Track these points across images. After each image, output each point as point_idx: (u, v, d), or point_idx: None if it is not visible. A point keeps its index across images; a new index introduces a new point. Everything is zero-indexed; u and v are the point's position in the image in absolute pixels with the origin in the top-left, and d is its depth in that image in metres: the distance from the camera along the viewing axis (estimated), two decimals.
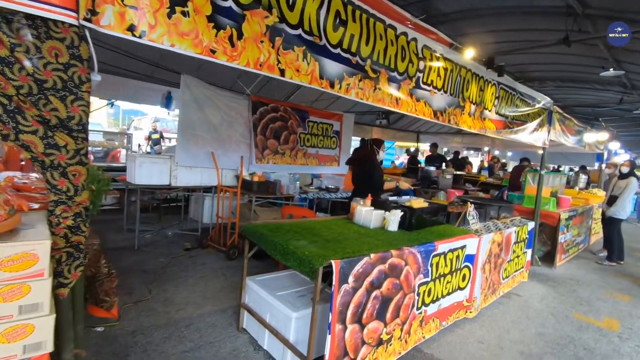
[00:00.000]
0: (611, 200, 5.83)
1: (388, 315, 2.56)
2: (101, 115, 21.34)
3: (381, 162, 4.57)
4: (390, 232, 3.03)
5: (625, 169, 5.81)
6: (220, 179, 4.79)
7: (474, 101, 3.43)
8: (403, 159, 16.62)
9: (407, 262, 2.63)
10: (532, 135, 4.98)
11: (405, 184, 4.37)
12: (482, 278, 3.60)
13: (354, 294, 2.25)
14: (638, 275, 5.66)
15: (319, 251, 2.25)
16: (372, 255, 2.32)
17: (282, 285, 2.84)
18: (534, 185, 6.15)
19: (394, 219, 3.04)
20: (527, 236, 4.61)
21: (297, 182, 5.17)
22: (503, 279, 4.14)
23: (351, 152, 10.01)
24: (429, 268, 2.87)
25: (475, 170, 14.52)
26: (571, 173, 12.10)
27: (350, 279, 2.21)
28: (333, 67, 2.05)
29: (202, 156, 4.74)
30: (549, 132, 5.45)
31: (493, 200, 5.06)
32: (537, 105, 4.79)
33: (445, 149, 17.63)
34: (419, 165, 9.47)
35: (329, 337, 2.13)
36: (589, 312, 4.03)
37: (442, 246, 2.96)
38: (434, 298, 3.01)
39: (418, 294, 2.81)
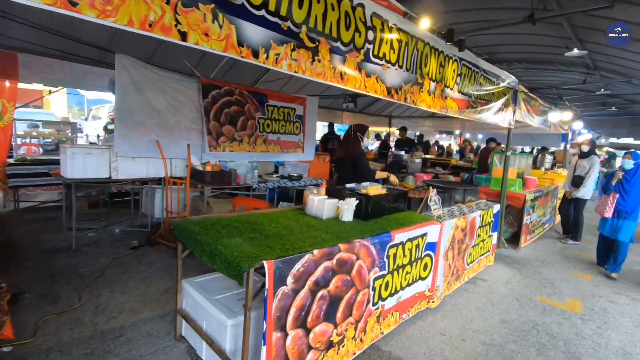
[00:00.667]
0: (575, 181, 5.81)
1: (339, 315, 2.32)
2: (58, 105, 19.96)
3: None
4: (344, 222, 2.77)
5: (585, 148, 5.79)
6: (167, 169, 4.38)
7: (433, 78, 3.18)
8: (377, 144, 16.46)
9: (359, 256, 2.38)
10: (497, 116, 4.82)
11: (394, 178, 4.12)
12: (444, 266, 3.44)
13: (294, 296, 1.98)
14: None
15: (252, 250, 1.95)
16: (315, 252, 2.05)
17: (222, 286, 2.54)
18: (500, 167, 6.08)
19: (347, 208, 2.78)
20: (493, 219, 4.50)
21: (255, 171, 4.83)
22: (468, 264, 4.01)
23: (319, 138, 9.70)
24: (385, 260, 2.64)
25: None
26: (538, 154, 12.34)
27: (289, 280, 1.93)
28: (256, 33, 1.71)
29: (145, 145, 4.29)
30: (514, 112, 5.33)
31: (457, 183, 4.91)
32: (502, 84, 4.62)
33: (417, 133, 17.64)
34: (391, 150, 9.28)
35: (264, 349, 1.86)
36: (553, 294, 3.98)
37: (400, 236, 2.73)
38: (392, 291, 2.79)
39: (373, 289, 2.58)
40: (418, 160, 7.87)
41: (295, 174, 5.50)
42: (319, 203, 2.84)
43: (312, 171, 7.17)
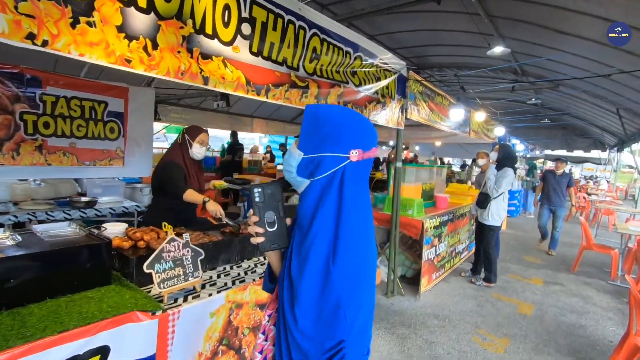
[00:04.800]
0: (480, 199, 4.39)
1: None
2: None
3: (200, 161, 2.84)
4: None
5: (494, 155, 4.42)
6: None
7: (139, 3, 1.49)
8: None
9: None
10: (374, 112, 3.29)
11: (214, 206, 2.48)
12: None
13: None
14: (524, 296, 4.35)
15: None
16: None
17: None
18: (404, 183, 4.61)
19: None
20: None
21: None
22: None
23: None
24: None
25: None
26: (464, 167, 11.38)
27: None
28: None
29: None
30: (403, 108, 3.86)
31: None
32: (371, 62, 3.09)
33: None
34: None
35: None
36: None
37: None
38: None
39: None
40: None
41: (83, 199, 3.60)
42: None
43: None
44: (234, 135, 8.81)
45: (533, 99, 11.82)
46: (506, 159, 4.24)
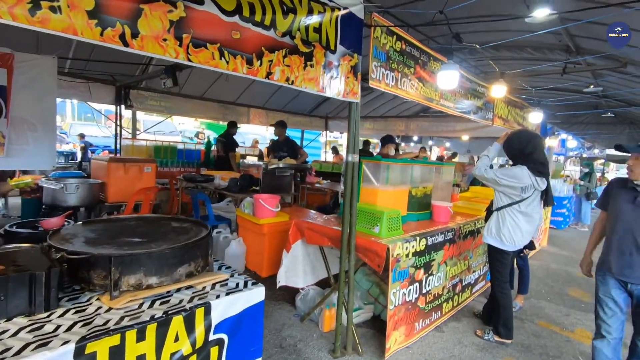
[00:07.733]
0: (489, 209, 2.95)
1: None
2: None
3: None
4: None
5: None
6: None
7: None
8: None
9: None
10: (281, 67, 1.98)
11: None
12: None
13: None
14: None
15: None
16: None
17: None
18: (377, 184, 3.25)
19: None
20: (226, 336, 1.62)
21: None
22: None
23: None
24: None
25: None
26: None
27: None
28: None
29: None
30: (355, 70, 2.49)
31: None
32: None
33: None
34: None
35: None
36: None
37: None
38: None
39: None
40: (286, 173, 4.98)
41: None
42: None
43: (115, 189, 4.39)
44: (232, 126, 7.25)
45: (591, 86, 9.60)
46: (519, 154, 2.81)
